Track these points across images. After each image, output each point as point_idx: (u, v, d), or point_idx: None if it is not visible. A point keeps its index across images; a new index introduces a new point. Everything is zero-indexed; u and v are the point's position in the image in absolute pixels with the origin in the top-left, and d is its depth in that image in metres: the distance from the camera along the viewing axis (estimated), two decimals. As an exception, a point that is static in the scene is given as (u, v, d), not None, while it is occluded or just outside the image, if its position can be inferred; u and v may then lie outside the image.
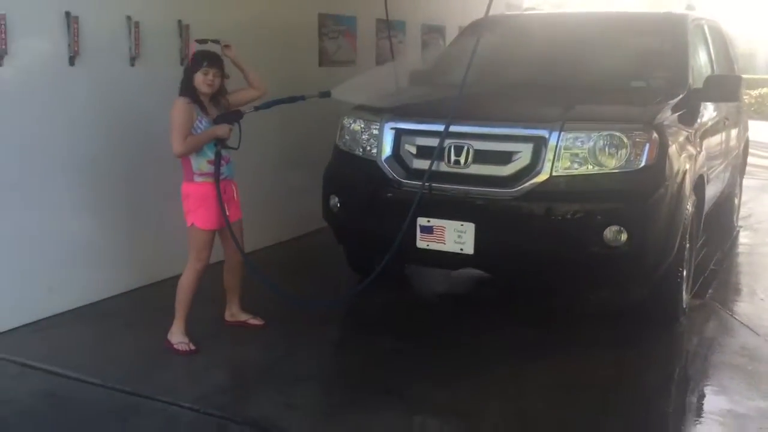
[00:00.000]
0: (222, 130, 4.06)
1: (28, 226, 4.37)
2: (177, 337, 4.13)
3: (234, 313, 4.47)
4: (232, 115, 4.13)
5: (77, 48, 4.47)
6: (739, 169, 7.05)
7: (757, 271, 6.06)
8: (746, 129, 7.12)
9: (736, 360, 4.16)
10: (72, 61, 4.49)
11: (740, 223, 7.43)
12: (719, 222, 6.82)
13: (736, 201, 7.16)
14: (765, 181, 10.56)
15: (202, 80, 4.02)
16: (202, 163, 4.06)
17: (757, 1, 31.11)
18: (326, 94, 4.43)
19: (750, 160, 11.10)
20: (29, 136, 4.33)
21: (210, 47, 4.13)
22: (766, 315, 4.92)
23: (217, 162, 4.05)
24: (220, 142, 4.06)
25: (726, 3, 28.71)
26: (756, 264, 6.26)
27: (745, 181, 9.03)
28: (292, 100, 4.38)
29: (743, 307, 5.08)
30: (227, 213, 4.09)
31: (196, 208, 4.07)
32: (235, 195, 4.24)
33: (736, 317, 4.84)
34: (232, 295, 4.44)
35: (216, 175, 4.04)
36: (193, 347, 4.09)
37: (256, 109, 4.23)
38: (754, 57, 34.29)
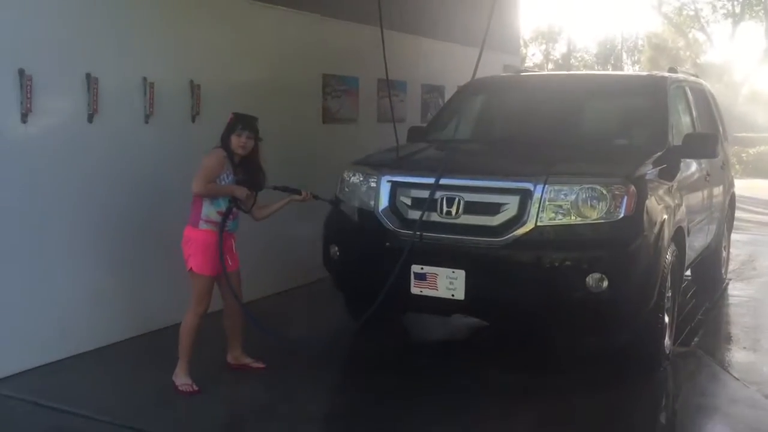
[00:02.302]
0: (240, 191, 4.36)
1: (44, 272, 4.64)
2: (181, 378, 4.34)
3: (236, 356, 4.68)
4: (254, 184, 4.44)
5: (96, 107, 4.82)
6: (727, 223, 7.28)
7: (743, 321, 6.24)
8: (732, 185, 7.37)
9: (715, 402, 4.35)
10: (90, 118, 4.82)
11: (730, 275, 7.63)
12: (708, 274, 7.04)
13: (725, 254, 7.37)
14: (759, 236, 10.77)
15: (236, 142, 4.32)
16: (212, 212, 4.31)
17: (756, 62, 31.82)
18: (336, 203, 4.91)
19: (744, 215, 11.40)
20: (49, 188, 4.63)
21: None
22: (748, 361, 5.11)
23: (225, 216, 4.32)
24: (233, 200, 4.36)
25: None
26: (743, 315, 6.45)
27: (739, 236, 9.30)
28: (314, 197, 4.75)
29: (727, 355, 5.28)
30: (228, 263, 4.35)
31: (196, 254, 4.32)
32: (234, 247, 4.50)
33: (719, 364, 5.03)
34: (233, 339, 4.66)
35: (221, 227, 4.31)
36: (196, 388, 4.29)
37: (275, 188, 4.59)
38: (754, 116, 34.89)
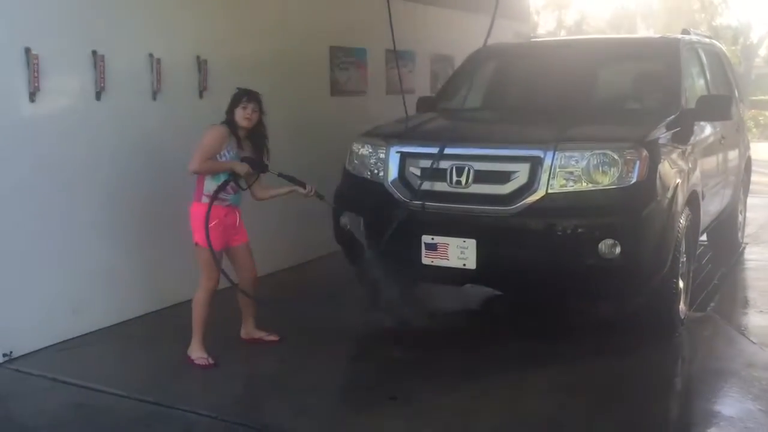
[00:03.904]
0: (241, 167, 4.32)
1: (56, 251, 4.66)
2: (196, 352, 4.37)
3: (249, 330, 4.70)
4: (258, 165, 4.40)
5: (103, 84, 4.80)
6: (742, 186, 7.19)
7: (760, 285, 6.18)
8: (748, 148, 7.27)
9: (732, 366, 4.33)
10: (98, 96, 4.81)
11: (746, 239, 7.56)
12: (724, 238, 6.97)
13: (741, 218, 7.28)
14: (776, 199, 10.63)
15: (241, 114, 4.31)
16: (213, 187, 4.30)
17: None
18: (338, 211, 4.80)
19: (762, 179, 11.26)
20: (58, 166, 4.64)
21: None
22: (765, 325, 5.10)
23: (219, 188, 4.28)
24: (232, 175, 4.33)
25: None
26: (759, 279, 6.38)
27: (757, 200, 9.19)
28: (317, 196, 4.62)
29: (743, 319, 5.26)
30: (231, 237, 4.41)
31: (201, 228, 4.28)
32: (238, 221, 4.48)
33: (736, 328, 5.00)
34: (246, 312, 4.68)
35: (211, 200, 4.25)
36: (211, 361, 4.33)
37: (280, 175, 4.51)
38: (771, 78, 34.35)
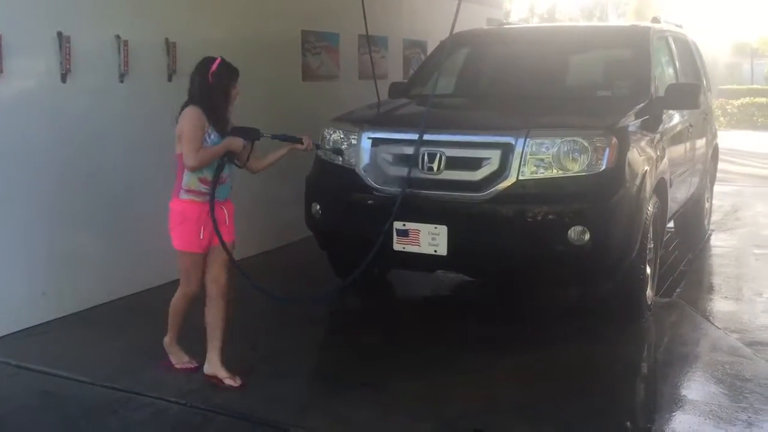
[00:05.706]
0: (237, 143, 3.79)
1: (20, 236, 4.57)
2: (176, 357, 4.12)
3: (211, 362, 3.95)
4: (251, 132, 3.88)
5: (69, 66, 4.70)
6: (709, 174, 7.29)
7: (725, 271, 6.29)
8: (715, 136, 7.38)
9: (697, 351, 4.41)
10: (64, 78, 4.71)
11: (713, 226, 7.68)
12: (691, 225, 7.07)
13: (707, 205, 7.40)
14: (742, 187, 10.83)
15: (235, 93, 3.85)
16: (192, 180, 3.76)
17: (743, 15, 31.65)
18: (339, 152, 4.75)
19: (729, 167, 11.46)
20: (23, 149, 4.54)
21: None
22: (729, 310, 5.17)
23: (217, 173, 3.74)
24: (226, 156, 3.79)
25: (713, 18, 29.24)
26: (725, 265, 6.49)
27: (723, 187, 9.35)
28: (316, 146, 4.36)
29: (709, 305, 5.34)
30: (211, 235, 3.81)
31: (174, 228, 3.83)
32: (227, 218, 3.89)
33: (701, 313, 5.08)
34: (212, 336, 3.95)
35: (211, 194, 3.72)
36: (195, 364, 4.05)
37: (274, 137, 4.03)
38: (739, 68, 34.90)
